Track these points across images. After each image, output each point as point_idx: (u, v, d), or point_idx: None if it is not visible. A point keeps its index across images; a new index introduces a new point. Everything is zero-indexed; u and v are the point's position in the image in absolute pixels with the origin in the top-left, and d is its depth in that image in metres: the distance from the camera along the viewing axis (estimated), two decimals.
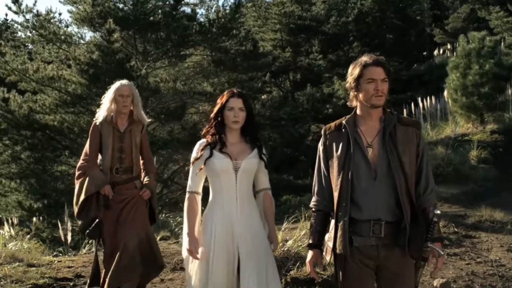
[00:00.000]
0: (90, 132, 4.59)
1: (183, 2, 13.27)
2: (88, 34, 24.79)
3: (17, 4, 12.42)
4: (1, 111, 11.23)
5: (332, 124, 3.02)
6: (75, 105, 11.60)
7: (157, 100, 12.30)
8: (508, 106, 13.99)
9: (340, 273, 2.92)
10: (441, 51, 25.15)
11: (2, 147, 11.95)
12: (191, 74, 14.09)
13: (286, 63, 19.59)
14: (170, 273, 5.53)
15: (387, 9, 21.06)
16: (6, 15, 37.79)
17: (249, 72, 13.96)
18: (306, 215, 6.02)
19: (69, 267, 5.70)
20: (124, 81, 4.63)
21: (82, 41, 13.73)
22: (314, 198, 3.06)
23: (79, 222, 4.53)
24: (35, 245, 7.32)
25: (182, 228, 5.64)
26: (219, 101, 3.44)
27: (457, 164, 10.59)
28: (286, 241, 5.64)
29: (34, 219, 10.64)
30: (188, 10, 13.57)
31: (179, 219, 8.03)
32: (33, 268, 5.50)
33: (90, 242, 6.98)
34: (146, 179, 4.65)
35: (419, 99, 15.12)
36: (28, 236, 8.25)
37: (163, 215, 10.51)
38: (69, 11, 13.16)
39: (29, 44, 16.45)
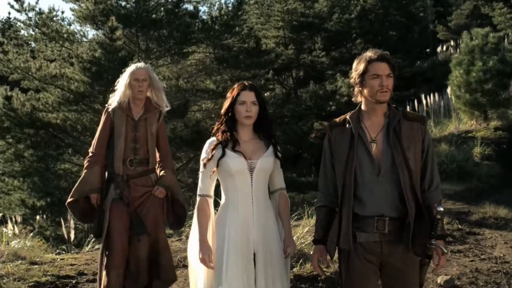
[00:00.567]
0: (101, 119, 4.20)
1: None
2: (91, 32, 24.88)
3: (19, 2, 12.42)
4: (4, 109, 11.24)
5: (337, 120, 3.00)
6: (78, 103, 11.60)
7: None
8: None
9: (344, 269, 2.91)
10: (444, 48, 25.06)
11: (5, 145, 11.97)
12: (193, 71, 14.08)
13: (289, 60, 19.53)
14: None
15: (390, 6, 21.00)
16: (9, 13, 37.89)
17: (251, 70, 13.93)
18: (309, 212, 6.00)
19: (71, 265, 5.69)
20: (140, 64, 4.27)
21: (84, 39, 13.74)
22: (319, 194, 3.05)
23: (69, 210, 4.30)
24: (38, 243, 7.32)
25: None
26: (229, 95, 3.16)
27: (461, 161, 10.55)
28: None
29: (38, 217, 10.65)
30: (190, 7, 13.55)
31: None
32: (36, 266, 5.49)
33: (94, 240, 6.98)
34: (162, 173, 4.22)
35: (422, 96, 15.08)
36: (31, 234, 8.26)
37: None
38: (71, 9, 13.15)
39: (32, 42, 16.45)
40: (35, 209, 11.39)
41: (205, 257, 3.02)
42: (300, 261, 5.17)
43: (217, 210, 3.25)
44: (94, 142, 4.20)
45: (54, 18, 13.14)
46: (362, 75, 2.84)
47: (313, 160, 14.85)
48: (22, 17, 12.88)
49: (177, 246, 6.33)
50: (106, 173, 4.17)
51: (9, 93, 11.38)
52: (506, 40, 18.63)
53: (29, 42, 17.09)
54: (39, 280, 5.07)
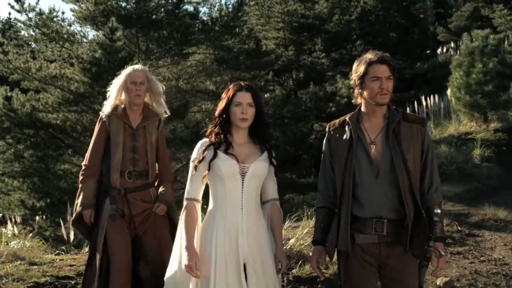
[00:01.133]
0: (96, 128, 3.85)
1: (185, 0, 13.26)
2: (91, 33, 24.87)
3: (20, 3, 12.40)
4: (4, 109, 11.23)
5: (337, 121, 3.01)
6: (78, 103, 11.59)
7: None
8: None
9: (343, 270, 2.91)
10: (444, 50, 25.07)
11: (5, 145, 11.96)
12: (193, 72, 14.07)
13: (289, 61, 19.53)
14: None
15: (390, 8, 21.03)
16: (9, 13, 37.90)
17: (251, 71, 13.92)
18: (309, 213, 6.00)
19: (71, 265, 5.68)
20: (137, 66, 3.88)
21: (84, 40, 13.72)
22: (319, 195, 3.05)
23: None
24: (37, 243, 7.32)
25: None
26: (225, 96, 2.98)
27: (461, 162, 10.55)
28: (289, 239, 5.61)
29: (37, 217, 10.65)
30: (190, 8, 13.53)
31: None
32: (35, 267, 5.48)
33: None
34: (161, 189, 3.85)
35: (422, 97, 15.10)
36: (31, 234, 8.25)
37: None
38: (71, 10, 13.14)
39: (32, 43, 16.44)
40: (35, 209, 11.37)
41: (192, 264, 2.78)
42: (300, 262, 5.16)
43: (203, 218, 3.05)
44: (87, 154, 3.87)
45: (55, 19, 13.13)
46: (362, 77, 2.84)
47: (313, 161, 14.86)
48: (23, 17, 12.89)
49: None
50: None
51: (9, 94, 11.36)
52: (506, 42, 18.61)
53: (29, 43, 17.08)
54: (38, 281, 5.06)
